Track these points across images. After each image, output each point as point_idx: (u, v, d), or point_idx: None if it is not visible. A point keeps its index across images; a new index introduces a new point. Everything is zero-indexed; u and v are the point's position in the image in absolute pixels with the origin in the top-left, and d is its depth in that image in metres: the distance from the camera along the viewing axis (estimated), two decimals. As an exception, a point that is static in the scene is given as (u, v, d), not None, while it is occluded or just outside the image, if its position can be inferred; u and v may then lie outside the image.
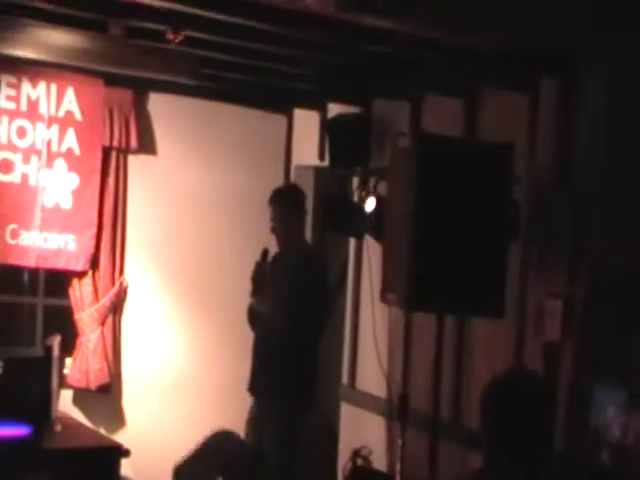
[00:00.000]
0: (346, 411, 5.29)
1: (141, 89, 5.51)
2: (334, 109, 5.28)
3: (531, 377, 2.48)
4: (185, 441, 5.57)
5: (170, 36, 4.15)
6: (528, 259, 3.99)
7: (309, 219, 5.62)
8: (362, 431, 5.05)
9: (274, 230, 4.74)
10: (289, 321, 4.52)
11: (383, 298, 4.02)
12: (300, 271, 4.63)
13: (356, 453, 4.45)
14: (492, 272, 3.69)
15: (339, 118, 5.05)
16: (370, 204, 4.56)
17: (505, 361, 3.94)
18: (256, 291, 4.62)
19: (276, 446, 4.59)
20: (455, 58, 3.97)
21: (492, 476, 2.28)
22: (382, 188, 4.48)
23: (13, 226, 5.25)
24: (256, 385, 4.72)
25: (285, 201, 4.75)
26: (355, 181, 5.07)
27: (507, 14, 3.55)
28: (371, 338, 4.75)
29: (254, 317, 4.74)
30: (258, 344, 4.74)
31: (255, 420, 4.73)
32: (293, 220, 4.74)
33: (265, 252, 4.67)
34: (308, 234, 5.53)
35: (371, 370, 4.91)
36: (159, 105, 5.62)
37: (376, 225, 4.46)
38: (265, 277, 4.64)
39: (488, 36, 3.65)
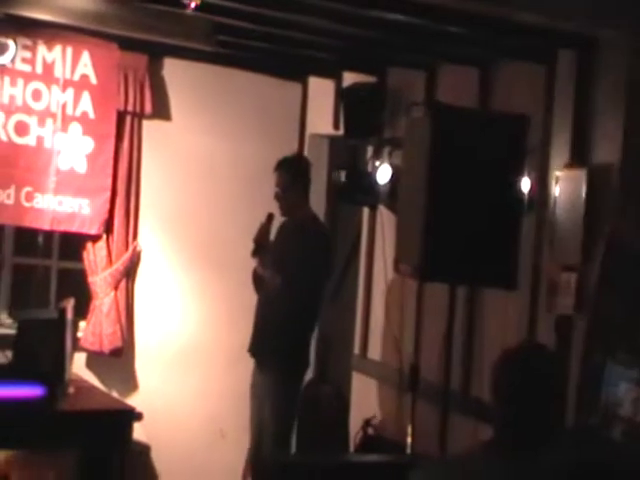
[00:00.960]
0: (358, 380, 5.32)
1: (156, 54, 5.49)
2: (349, 78, 5.25)
3: (542, 352, 2.47)
4: (197, 406, 5.66)
5: (186, 1, 4.14)
6: (542, 232, 3.98)
7: (323, 188, 5.64)
8: (373, 401, 5.08)
9: (277, 197, 4.77)
10: (290, 287, 4.56)
11: (396, 268, 4.04)
12: (302, 238, 4.69)
13: (367, 422, 4.50)
14: (505, 244, 3.70)
15: (354, 87, 5.03)
16: (384, 174, 4.56)
17: (517, 334, 3.95)
18: (257, 252, 4.67)
19: (275, 409, 4.64)
20: (472, 28, 3.94)
21: (502, 449, 2.29)
22: (396, 158, 4.48)
23: (28, 189, 5.27)
24: (256, 347, 4.78)
25: (289, 168, 4.78)
26: (369, 151, 5.06)
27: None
28: (383, 308, 4.76)
29: (258, 281, 4.79)
30: (260, 307, 4.81)
31: (256, 385, 4.78)
32: (297, 187, 4.78)
33: (270, 216, 4.72)
34: (322, 203, 5.54)
35: (383, 340, 4.94)
36: (174, 71, 5.59)
37: (390, 195, 4.46)
38: (268, 239, 4.69)
39: (506, 7, 3.64)
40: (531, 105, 4.01)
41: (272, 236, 4.76)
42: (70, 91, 5.35)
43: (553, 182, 3.94)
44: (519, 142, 3.75)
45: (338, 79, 5.44)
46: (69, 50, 5.32)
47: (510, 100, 4.21)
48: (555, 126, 3.99)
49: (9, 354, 4.67)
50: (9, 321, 5.45)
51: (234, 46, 5.11)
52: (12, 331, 4.93)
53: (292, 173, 4.77)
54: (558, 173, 3.92)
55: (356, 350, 5.36)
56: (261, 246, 4.65)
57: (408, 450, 4.04)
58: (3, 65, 5.14)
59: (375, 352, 5.18)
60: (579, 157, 3.85)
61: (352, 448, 4.82)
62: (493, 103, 4.35)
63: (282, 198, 4.76)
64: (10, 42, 5.08)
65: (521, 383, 2.30)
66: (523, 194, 3.84)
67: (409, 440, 4.03)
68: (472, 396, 4.26)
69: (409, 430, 4.03)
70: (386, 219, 4.75)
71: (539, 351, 2.46)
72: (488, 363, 4.07)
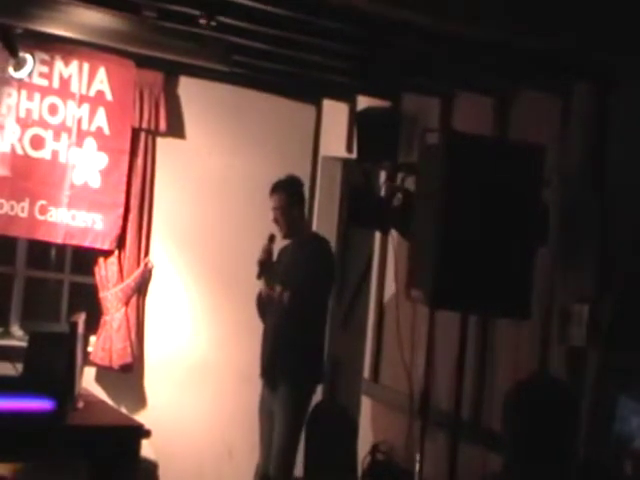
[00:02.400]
0: (367, 405, 5.32)
1: (172, 72, 5.54)
2: (363, 102, 5.27)
3: (555, 384, 2.48)
4: (205, 424, 5.66)
5: (203, 21, 4.16)
6: (556, 262, 3.98)
7: (335, 211, 5.66)
8: (383, 426, 5.08)
9: (276, 220, 4.83)
10: (298, 300, 4.63)
11: (408, 295, 4.03)
12: (304, 253, 4.77)
13: (376, 448, 4.49)
14: (519, 274, 3.69)
15: (368, 111, 5.04)
16: (397, 199, 4.56)
17: (529, 364, 3.94)
18: (262, 273, 4.72)
19: (283, 424, 4.68)
20: (488, 56, 3.95)
21: None
22: (409, 183, 4.48)
23: (42, 202, 5.31)
24: (267, 367, 4.80)
25: (287, 190, 4.83)
26: (382, 175, 5.07)
27: (544, 15, 3.56)
28: (394, 334, 4.76)
29: (263, 305, 4.84)
30: (267, 331, 4.85)
31: (265, 402, 4.80)
32: (295, 208, 4.86)
33: (272, 237, 4.80)
34: (334, 226, 5.57)
35: (393, 366, 4.93)
36: (189, 89, 5.64)
37: (403, 220, 4.46)
38: (271, 260, 4.75)
39: (525, 37, 3.64)
40: (547, 136, 4.00)
41: (274, 257, 4.83)
42: (86, 106, 5.39)
43: (568, 212, 3.94)
44: (535, 172, 3.75)
45: (352, 102, 5.46)
46: (86, 66, 5.37)
47: (525, 130, 4.21)
48: (571, 157, 4.00)
49: (20, 367, 4.69)
50: (20, 333, 5.48)
51: (250, 67, 5.13)
52: (23, 343, 4.95)
53: (290, 195, 4.84)
54: (573, 203, 3.92)
55: (366, 375, 5.36)
56: (265, 267, 4.70)
57: (416, 477, 4.03)
58: (21, 79, 5.18)
59: (385, 377, 5.18)
60: (594, 188, 3.85)
61: (360, 473, 4.83)
62: (508, 133, 4.35)
63: (281, 221, 4.82)
64: (28, 56, 5.12)
65: (532, 416, 2.30)
66: (539, 224, 3.84)
67: (417, 467, 4.02)
68: (483, 425, 4.25)
69: (418, 457, 4.02)
70: (398, 244, 4.76)
71: (552, 384, 2.46)
72: (499, 392, 4.07)
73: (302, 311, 4.68)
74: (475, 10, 3.47)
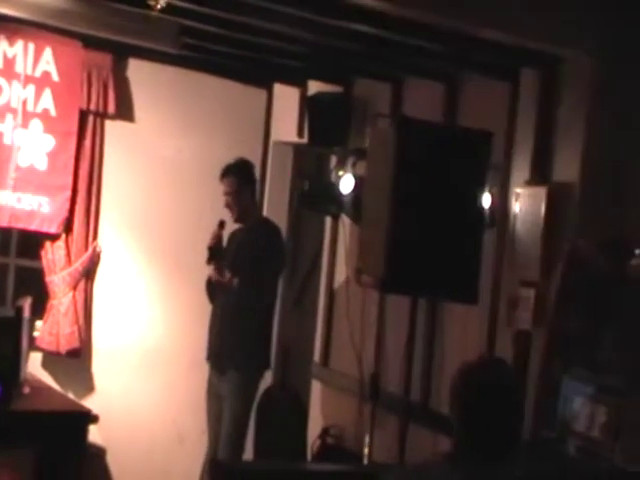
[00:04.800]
0: (317, 389, 5.35)
1: (121, 54, 5.45)
2: (314, 86, 5.26)
3: (501, 366, 2.52)
4: (155, 409, 5.64)
5: (152, 2, 4.11)
6: (502, 248, 4.04)
7: (286, 195, 5.66)
8: (333, 410, 5.11)
9: (228, 204, 4.83)
10: (248, 286, 4.63)
11: (358, 279, 4.06)
12: (254, 238, 4.76)
13: (326, 431, 4.52)
14: (467, 258, 3.75)
15: (319, 96, 5.04)
16: (347, 184, 4.59)
17: (477, 347, 4.00)
18: (211, 259, 4.72)
19: (231, 409, 4.68)
20: (438, 42, 3.98)
21: (460, 462, 2.32)
22: (360, 168, 4.50)
23: (-15, 185, 5.21)
24: (214, 353, 4.81)
25: (238, 174, 4.83)
26: (333, 160, 5.09)
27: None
28: (344, 318, 4.79)
29: (212, 288, 4.83)
30: (215, 315, 4.85)
31: (213, 387, 4.80)
32: (247, 193, 4.84)
33: (222, 223, 4.79)
34: (285, 211, 5.57)
35: (344, 349, 4.97)
36: (138, 72, 5.56)
37: (353, 206, 4.49)
38: (221, 246, 4.75)
39: (473, 23, 3.69)
40: (495, 121, 4.06)
41: (224, 242, 4.82)
42: (31, 87, 5.29)
43: (513, 199, 4.00)
44: (482, 158, 3.81)
45: (303, 87, 5.45)
46: (31, 46, 5.27)
47: (474, 116, 4.26)
48: (517, 143, 4.06)
49: (-37, 352, 4.61)
50: (-36, 318, 5.38)
51: (200, 49, 5.09)
52: (-34, 329, 4.86)
53: (241, 179, 4.83)
54: (518, 190, 3.98)
55: (316, 358, 5.38)
56: (215, 252, 4.70)
57: (365, 460, 4.07)
58: (-39, 59, 5.07)
59: (336, 361, 5.21)
60: (540, 174, 3.92)
61: (310, 457, 4.86)
62: (458, 118, 4.40)
63: (233, 205, 4.82)
64: (-29, 36, 5.01)
65: (479, 397, 2.33)
66: (485, 209, 3.90)
67: (366, 450, 4.06)
68: (432, 407, 4.31)
69: (367, 440, 4.06)
70: (348, 229, 4.78)
71: (497, 365, 2.51)
72: (448, 375, 4.11)
73: (250, 296, 4.68)
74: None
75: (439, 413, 4.10)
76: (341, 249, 5.06)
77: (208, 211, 5.20)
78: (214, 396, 4.81)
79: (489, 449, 2.32)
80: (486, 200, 3.91)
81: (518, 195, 3.98)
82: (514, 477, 2.35)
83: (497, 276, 4.04)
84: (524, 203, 3.95)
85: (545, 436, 3.45)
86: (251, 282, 4.65)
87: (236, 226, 4.94)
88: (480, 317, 4.04)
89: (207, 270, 4.82)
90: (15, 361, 4.60)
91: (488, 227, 3.97)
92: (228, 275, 4.67)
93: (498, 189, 4.06)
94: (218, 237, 4.74)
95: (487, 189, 3.88)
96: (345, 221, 4.78)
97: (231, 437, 4.63)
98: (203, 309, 4.98)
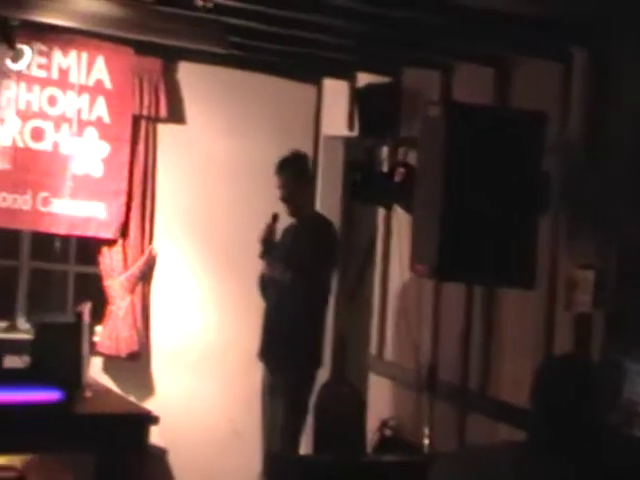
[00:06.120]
0: (374, 382, 5.30)
1: (170, 58, 5.52)
2: (364, 79, 5.24)
3: (587, 364, 2.47)
4: (213, 407, 5.65)
5: (199, 3, 4.14)
6: (559, 230, 3.95)
7: (338, 189, 5.64)
8: (390, 402, 5.05)
9: (284, 198, 4.77)
10: (300, 281, 4.59)
11: (412, 268, 4.01)
12: (308, 234, 4.72)
13: (384, 424, 4.47)
14: (522, 243, 3.67)
15: (369, 87, 5.01)
16: (399, 174, 4.54)
17: (535, 332, 3.91)
18: (264, 253, 4.68)
19: (286, 409, 4.65)
20: (487, 25, 3.91)
21: (536, 451, 2.26)
22: (412, 158, 4.46)
23: (44, 194, 5.30)
24: (267, 350, 4.77)
25: (293, 169, 4.79)
26: (384, 151, 5.05)
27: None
28: (400, 309, 4.74)
29: (265, 285, 4.79)
30: (268, 312, 4.81)
31: (269, 390, 4.76)
32: (302, 187, 4.81)
33: (275, 216, 4.75)
34: (337, 204, 5.54)
35: (400, 341, 4.92)
36: (188, 74, 5.62)
37: (405, 195, 4.44)
38: (273, 239, 4.71)
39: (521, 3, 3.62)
40: (548, 102, 3.97)
41: (278, 236, 4.80)
42: (85, 96, 5.38)
43: (569, 179, 3.90)
44: (537, 140, 3.72)
45: (352, 80, 5.43)
46: (84, 55, 5.36)
47: (526, 98, 4.18)
48: (572, 124, 3.96)
49: (27, 359, 4.68)
50: (27, 326, 5.47)
51: (247, 48, 5.10)
52: (30, 336, 4.94)
53: (296, 172, 4.79)
54: (574, 170, 3.88)
55: (373, 351, 5.34)
56: (268, 246, 4.67)
57: (426, 450, 4.01)
58: (19, 71, 5.17)
59: (392, 353, 5.16)
60: (595, 154, 3.81)
61: (369, 449, 4.80)
62: (509, 101, 4.31)
63: (289, 199, 4.77)
64: (26, 48, 5.11)
65: (563, 395, 2.28)
66: (540, 193, 3.81)
67: (426, 441, 3.99)
68: (490, 396, 4.22)
69: (427, 431, 3.99)
70: (401, 219, 4.73)
71: (581, 362, 2.45)
72: (506, 362, 4.04)
73: (303, 293, 4.64)
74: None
75: (499, 401, 4.01)
76: (395, 240, 5.00)
77: (261, 210, 5.20)
78: (268, 392, 4.78)
79: (567, 441, 2.25)
80: (541, 183, 3.82)
81: (573, 176, 3.88)
82: (591, 467, 2.27)
83: (554, 259, 3.94)
84: (580, 184, 3.85)
85: (611, 421, 3.34)
86: (303, 278, 4.60)
87: (291, 220, 4.91)
88: (538, 301, 3.94)
89: (259, 269, 4.81)
90: (77, 366, 4.65)
91: (544, 210, 3.88)
92: (281, 269, 4.64)
93: (553, 171, 3.97)
94: (271, 230, 4.71)
95: (541, 171, 3.80)
96: (398, 211, 4.73)
97: (287, 432, 4.59)
98: (258, 308, 4.97)
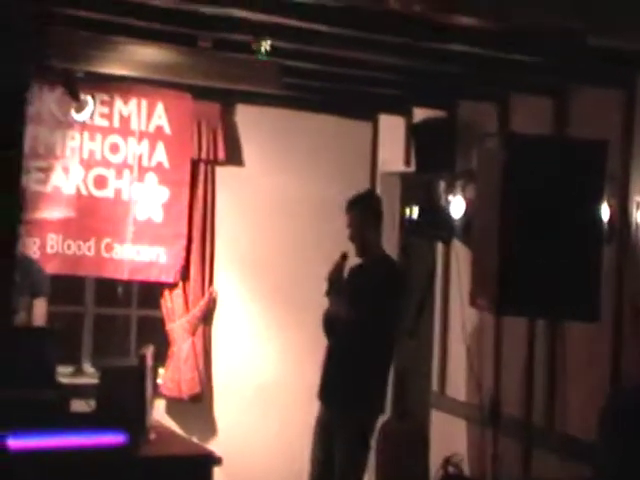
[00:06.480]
0: (437, 418, 5.22)
1: (228, 101, 5.58)
2: (419, 114, 5.24)
3: None
4: (274, 446, 5.61)
5: (255, 46, 4.19)
6: (624, 259, 3.85)
7: (396, 224, 5.60)
8: (453, 438, 4.96)
9: (352, 238, 4.72)
10: (365, 320, 4.46)
11: (473, 303, 3.95)
12: (375, 275, 4.61)
13: (447, 461, 4.37)
14: (585, 275, 3.59)
15: (425, 122, 5.01)
16: (457, 208, 4.51)
17: (601, 364, 3.80)
18: (330, 291, 4.61)
19: (348, 452, 4.50)
20: (543, 55, 3.87)
21: None
22: (470, 191, 4.42)
23: (107, 240, 5.37)
24: (329, 391, 4.69)
25: (362, 208, 4.73)
26: (442, 185, 5.01)
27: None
28: (460, 343, 4.67)
29: (329, 323, 4.72)
30: (334, 349, 4.71)
31: (324, 427, 4.67)
32: (372, 226, 4.72)
33: (344, 255, 4.66)
34: (395, 239, 5.50)
35: (461, 376, 4.84)
36: (245, 116, 5.68)
37: (464, 229, 4.40)
38: (341, 278, 4.63)
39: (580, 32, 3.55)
40: (608, 131, 3.90)
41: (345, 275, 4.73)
42: (145, 142, 5.47)
43: (634, 208, 3.81)
44: (598, 169, 3.65)
45: (408, 115, 5.43)
46: (144, 102, 5.46)
47: (586, 127, 4.11)
48: (634, 151, 3.88)
49: (93, 403, 4.72)
50: (92, 370, 5.53)
51: (302, 88, 5.14)
52: (95, 380, 4.97)
53: (366, 212, 4.72)
54: (639, 199, 3.80)
55: (434, 387, 5.26)
56: (334, 284, 4.61)
57: (492, 487, 3.91)
58: (83, 121, 5.28)
59: (453, 388, 5.07)
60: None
61: (433, 487, 4.71)
62: (568, 131, 4.25)
63: (357, 239, 4.71)
64: (89, 98, 5.22)
65: (632, 428, 2.20)
66: (603, 223, 3.72)
67: (491, 478, 3.89)
68: (556, 430, 4.11)
69: (491, 467, 3.89)
70: (461, 253, 4.68)
71: None
72: (572, 395, 3.94)
73: (367, 337, 4.50)
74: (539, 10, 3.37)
75: (565, 435, 3.89)
76: (454, 274, 4.94)
77: (318, 247, 5.22)
78: (323, 427, 4.66)
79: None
80: (604, 213, 3.74)
81: (639, 204, 3.79)
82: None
83: (619, 290, 3.84)
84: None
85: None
86: (369, 317, 4.50)
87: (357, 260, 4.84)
88: (603, 334, 3.83)
89: (320, 306, 4.77)
90: (140, 409, 4.66)
91: (607, 240, 3.79)
92: (346, 308, 4.57)
93: (616, 200, 3.88)
94: (339, 268, 4.62)
95: (604, 201, 3.72)
96: (457, 246, 4.68)
97: (350, 470, 4.48)
98: (318, 344, 4.93)
